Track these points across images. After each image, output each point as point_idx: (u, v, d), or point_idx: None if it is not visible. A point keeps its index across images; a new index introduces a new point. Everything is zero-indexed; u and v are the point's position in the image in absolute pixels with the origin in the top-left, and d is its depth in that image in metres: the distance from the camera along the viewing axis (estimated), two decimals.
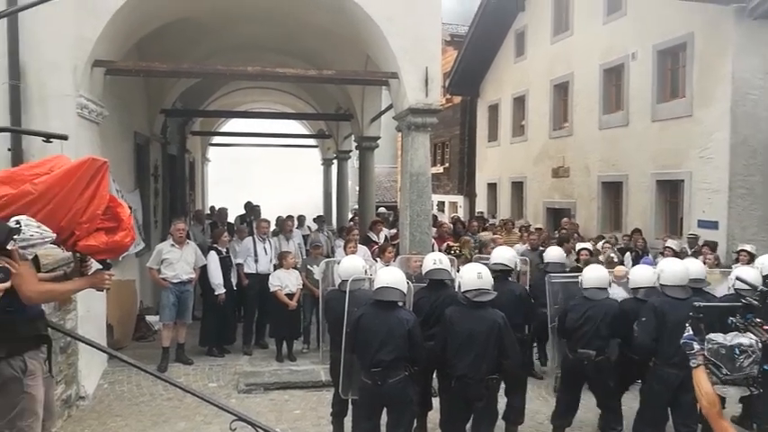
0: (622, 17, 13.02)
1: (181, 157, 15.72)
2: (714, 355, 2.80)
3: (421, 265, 6.40)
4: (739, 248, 8.61)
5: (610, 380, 5.31)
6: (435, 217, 14.64)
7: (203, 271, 7.92)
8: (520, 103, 17.78)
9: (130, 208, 3.82)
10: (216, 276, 7.85)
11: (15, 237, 2.87)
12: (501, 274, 5.56)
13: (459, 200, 21.82)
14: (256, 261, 8.39)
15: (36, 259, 3.32)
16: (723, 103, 10.44)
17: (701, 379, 2.81)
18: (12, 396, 3.16)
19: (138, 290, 9.21)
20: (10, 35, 6.06)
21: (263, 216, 10.86)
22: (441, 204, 23.21)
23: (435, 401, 5.22)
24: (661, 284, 5.27)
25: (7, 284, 2.60)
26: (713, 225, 10.50)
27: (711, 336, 2.85)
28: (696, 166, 11.04)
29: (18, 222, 2.93)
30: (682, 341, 3.01)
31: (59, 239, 3.18)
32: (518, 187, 17.87)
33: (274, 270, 8.15)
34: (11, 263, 2.83)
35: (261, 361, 7.86)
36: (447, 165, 23.19)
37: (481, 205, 19.91)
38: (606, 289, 5.52)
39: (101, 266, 3.47)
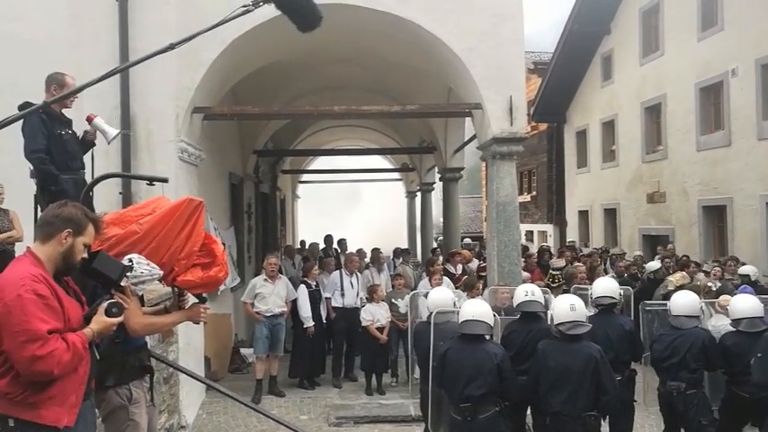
0: (719, 32, 12.36)
1: (272, 195, 16.38)
2: None
3: (509, 297, 6.26)
4: None
5: (702, 416, 4.87)
6: (526, 247, 14.32)
7: (294, 304, 8.11)
8: (609, 127, 17.20)
9: (224, 244, 4.01)
10: (305, 309, 8.02)
11: (128, 274, 3.08)
12: (607, 307, 5.28)
13: (549, 228, 21.22)
14: (343, 295, 8.50)
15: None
16: None
17: None
18: (119, 423, 3.35)
19: (233, 323, 9.57)
20: (122, 88, 6.64)
21: (349, 250, 11.04)
22: (529, 234, 22.65)
23: None
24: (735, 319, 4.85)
25: (120, 319, 2.78)
26: None
27: None
28: None
29: (131, 260, 3.15)
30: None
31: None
32: (611, 214, 17.14)
33: (361, 303, 8.21)
34: (124, 299, 3.03)
35: (350, 394, 7.90)
36: (534, 193, 22.70)
37: (572, 234, 19.25)
38: (698, 317, 5.11)
39: (197, 300, 3.64)
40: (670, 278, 8.60)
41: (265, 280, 7.87)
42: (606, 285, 5.38)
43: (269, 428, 6.52)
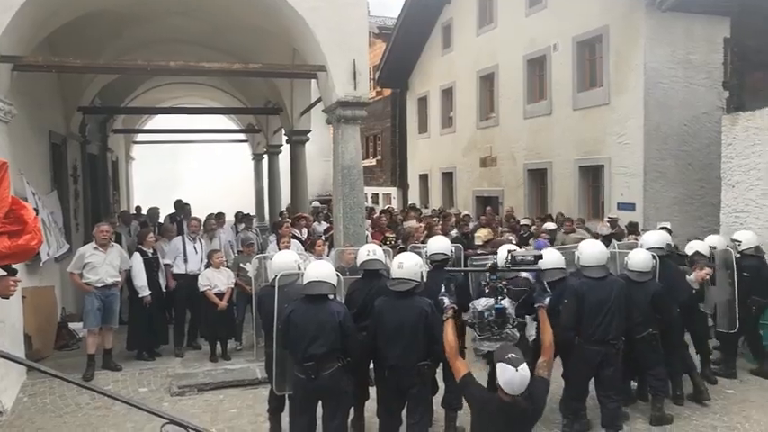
0: (543, 9, 13.46)
1: (102, 157, 15.08)
2: (473, 317, 3.91)
3: (354, 257, 6.43)
4: (660, 226, 9.18)
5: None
6: (372, 209, 14.73)
7: (129, 273, 7.63)
8: (448, 95, 18.08)
9: (37, 210, 3.61)
10: (140, 278, 7.59)
11: None
12: (439, 263, 5.61)
13: (393, 191, 22.02)
14: (186, 261, 8.16)
15: None
16: (636, 92, 11.02)
17: (449, 328, 3.81)
18: None
19: (58, 297, 8.76)
20: None
21: (194, 215, 10.56)
22: (375, 197, 23.33)
23: (373, 391, 5.26)
24: (581, 265, 5.51)
25: None
26: (631, 207, 11.08)
27: (474, 302, 3.97)
28: (614, 151, 11.60)
29: None
30: (438, 297, 4.18)
31: None
32: (448, 177, 18.20)
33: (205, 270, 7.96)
34: None
35: (194, 362, 7.67)
36: (379, 157, 23.32)
37: (414, 196, 20.15)
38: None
39: (5, 272, 3.26)
40: (477, 233, 9.53)
41: (95, 248, 7.29)
42: (439, 244, 5.74)
43: (103, 405, 6.14)
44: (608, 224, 9.90)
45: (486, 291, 4.04)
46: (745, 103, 8.54)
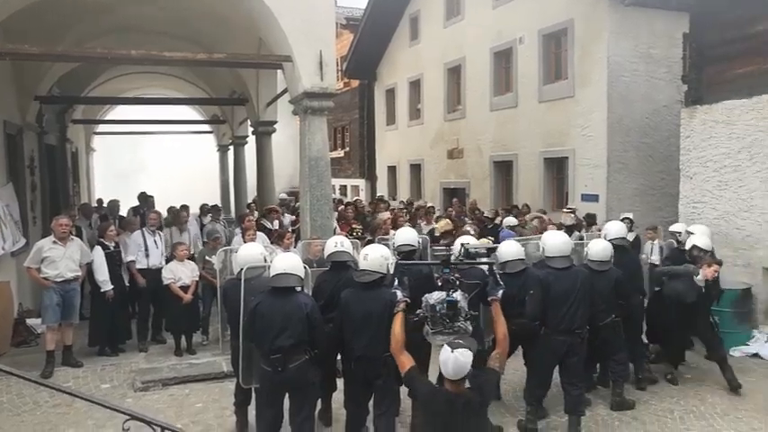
0: (510, 2, 13.56)
1: (61, 148, 14.65)
2: (425, 310, 3.91)
3: (321, 249, 6.40)
4: (622, 216, 9.40)
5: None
6: (341, 201, 14.68)
7: (91, 268, 7.45)
8: (415, 86, 18.10)
9: None
10: (101, 273, 7.41)
11: None
12: (406, 254, 5.61)
13: (361, 183, 21.98)
14: (147, 255, 8.00)
15: None
16: (600, 85, 11.21)
17: (397, 321, 3.83)
18: None
19: (14, 292, 8.50)
20: None
21: (157, 207, 10.38)
22: (343, 188, 23.27)
23: (340, 382, 5.27)
24: (546, 256, 5.59)
25: None
26: (594, 198, 11.29)
27: (427, 296, 3.95)
28: (578, 143, 11.79)
29: None
30: (392, 290, 4.21)
31: None
32: (416, 169, 18.25)
33: (167, 263, 7.83)
34: None
35: (158, 357, 7.55)
36: (347, 149, 23.25)
37: (382, 188, 20.16)
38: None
39: None
40: (436, 225, 9.62)
41: (54, 242, 7.08)
42: (405, 235, 5.76)
43: (63, 402, 5.99)
44: (572, 215, 10.10)
45: (440, 284, 4.04)
46: (703, 97, 8.79)
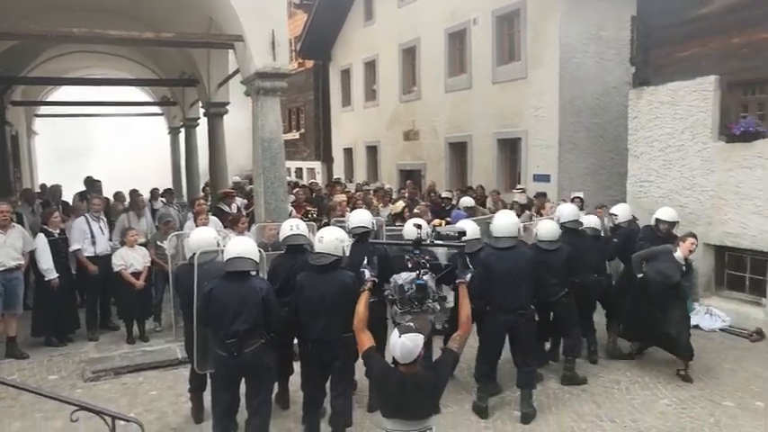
0: None
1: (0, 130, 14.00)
2: (394, 291, 3.96)
3: (277, 233, 6.33)
4: (573, 196, 9.68)
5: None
6: (296, 184, 14.52)
7: (34, 256, 7.17)
8: (371, 67, 17.98)
9: None
10: (45, 261, 7.12)
11: None
12: (360, 235, 5.61)
13: (317, 166, 21.80)
14: (94, 243, 7.73)
15: None
16: (552, 67, 11.37)
17: (362, 300, 3.81)
18: None
19: None
20: None
21: (105, 192, 10.06)
22: (299, 171, 23.05)
23: (297, 365, 5.25)
24: (493, 237, 5.69)
25: None
26: (546, 178, 11.52)
27: (395, 276, 3.99)
28: (531, 124, 11.97)
29: None
30: (360, 270, 4.25)
31: None
32: (372, 151, 18.22)
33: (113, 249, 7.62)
34: None
35: (109, 345, 7.36)
36: (303, 131, 22.98)
37: (339, 170, 20.06)
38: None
39: None
40: (392, 206, 9.71)
41: None
42: (359, 217, 5.76)
43: (8, 395, 5.78)
44: (524, 194, 10.32)
45: (409, 265, 4.05)
46: (650, 79, 9.03)
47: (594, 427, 5.25)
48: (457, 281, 4.09)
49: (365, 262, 4.33)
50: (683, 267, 6.17)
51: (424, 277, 3.95)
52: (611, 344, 6.90)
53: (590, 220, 6.93)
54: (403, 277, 3.97)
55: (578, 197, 9.50)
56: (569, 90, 11.33)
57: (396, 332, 3.18)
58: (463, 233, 4.60)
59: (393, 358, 3.25)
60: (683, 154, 8.54)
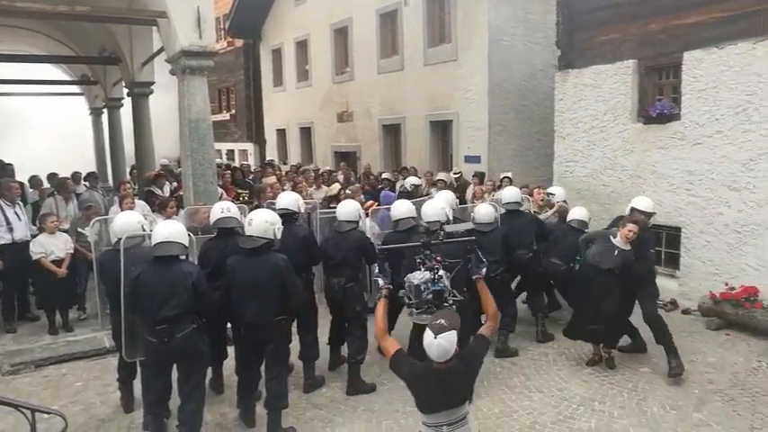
0: None
1: None
2: (410, 292, 3.79)
3: (207, 216, 6.19)
4: (503, 176, 9.95)
5: (357, 304, 5.62)
6: (228, 166, 14.18)
7: None
8: (303, 47, 17.71)
9: None
10: None
11: None
12: (286, 218, 5.56)
13: (249, 147, 21.37)
14: (11, 230, 7.29)
15: None
16: (481, 49, 11.56)
17: (380, 309, 3.63)
18: None
19: None
20: None
21: (18, 176, 9.47)
22: (230, 153, 22.51)
23: (231, 349, 5.19)
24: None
25: None
26: (477, 159, 11.78)
27: (409, 276, 3.83)
28: (462, 106, 12.16)
29: None
30: (373, 278, 4.10)
31: None
32: (306, 132, 18.03)
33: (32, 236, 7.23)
34: None
35: (29, 336, 7.00)
36: (233, 111, 22.40)
37: (272, 152, 19.74)
38: (357, 222, 5.75)
39: None
40: (326, 188, 9.79)
41: None
42: (285, 200, 5.73)
43: None
44: (450, 174, 10.73)
45: (422, 268, 3.84)
46: (574, 62, 9.35)
47: (524, 397, 5.49)
48: (474, 277, 4.00)
49: (377, 270, 4.04)
50: (625, 255, 5.76)
51: (440, 283, 3.76)
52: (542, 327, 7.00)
53: (579, 213, 6.95)
54: (417, 277, 3.78)
55: (507, 177, 9.80)
56: (498, 72, 11.57)
57: (429, 333, 3.04)
58: (471, 230, 4.59)
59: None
60: (605, 135, 8.92)
